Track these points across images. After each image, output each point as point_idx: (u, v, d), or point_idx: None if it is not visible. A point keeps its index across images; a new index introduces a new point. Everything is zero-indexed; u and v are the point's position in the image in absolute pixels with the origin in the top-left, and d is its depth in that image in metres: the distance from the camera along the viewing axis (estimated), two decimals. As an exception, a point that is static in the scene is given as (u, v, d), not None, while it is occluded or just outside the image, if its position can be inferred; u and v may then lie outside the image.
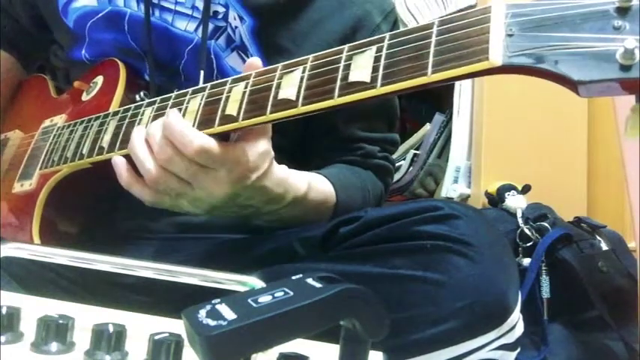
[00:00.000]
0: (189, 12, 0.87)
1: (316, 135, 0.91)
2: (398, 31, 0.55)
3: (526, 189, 1.18)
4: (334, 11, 0.88)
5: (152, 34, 0.87)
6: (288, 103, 0.60)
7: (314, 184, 0.78)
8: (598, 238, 1.13)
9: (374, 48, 0.56)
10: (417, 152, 1.48)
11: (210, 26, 0.85)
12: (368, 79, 0.54)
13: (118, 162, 0.70)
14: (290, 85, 0.60)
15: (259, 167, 0.67)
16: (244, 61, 0.86)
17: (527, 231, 1.08)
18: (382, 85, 0.53)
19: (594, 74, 0.43)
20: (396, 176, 1.46)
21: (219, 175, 0.65)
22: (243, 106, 0.63)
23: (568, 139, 1.40)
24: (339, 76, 0.57)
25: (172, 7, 0.87)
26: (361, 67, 0.55)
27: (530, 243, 1.07)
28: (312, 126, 0.89)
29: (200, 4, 0.86)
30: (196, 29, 0.87)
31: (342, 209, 0.81)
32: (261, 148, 0.66)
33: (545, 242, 1.06)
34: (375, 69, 0.54)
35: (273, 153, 0.69)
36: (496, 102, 1.34)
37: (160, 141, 0.65)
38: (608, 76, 0.43)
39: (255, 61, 0.67)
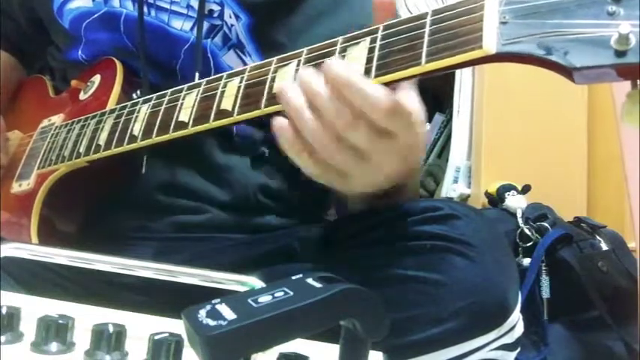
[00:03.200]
0: (185, 11, 0.87)
1: None
2: (392, 21, 0.55)
3: (526, 189, 1.18)
4: (331, 7, 0.88)
5: (148, 34, 0.86)
6: None
7: None
8: (598, 238, 1.13)
9: (368, 39, 0.55)
10: (417, 152, 1.48)
11: (206, 25, 0.85)
12: (362, 71, 0.54)
13: (283, 126, 0.56)
14: (285, 78, 0.60)
15: (425, 139, 0.59)
16: (241, 59, 0.86)
17: (527, 231, 1.08)
18: (376, 75, 0.53)
19: (589, 60, 0.43)
20: (396, 176, 1.46)
21: (394, 143, 0.54)
22: (238, 100, 0.63)
23: (568, 139, 1.40)
24: None
25: (168, 6, 0.87)
26: (355, 59, 0.55)
27: (530, 243, 1.07)
28: None
29: (195, 3, 0.86)
30: (192, 28, 0.86)
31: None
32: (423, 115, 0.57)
33: (545, 242, 1.06)
34: (369, 60, 0.54)
35: None
36: (496, 102, 1.34)
37: (334, 103, 0.52)
38: (603, 62, 0.43)
39: None
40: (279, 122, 0.56)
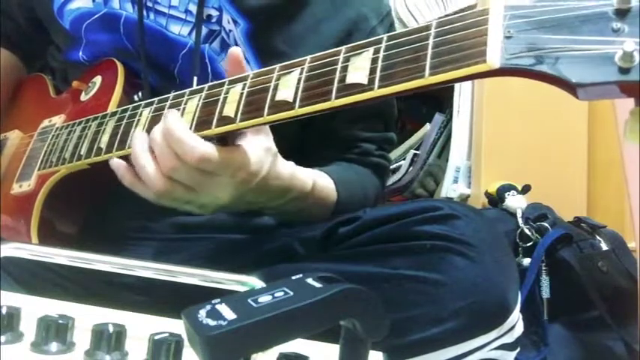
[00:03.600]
0: (183, 16, 0.87)
1: (314, 136, 0.91)
2: (396, 32, 0.55)
3: (526, 189, 1.18)
4: (329, 14, 0.88)
5: (148, 37, 0.86)
6: (286, 105, 0.59)
7: (318, 181, 0.79)
8: (598, 238, 1.13)
9: (371, 49, 0.55)
10: (417, 152, 1.48)
11: (204, 30, 0.85)
12: (365, 81, 0.54)
13: (117, 165, 0.70)
14: (287, 86, 0.60)
15: (262, 169, 0.67)
16: None
17: (527, 231, 1.08)
18: (379, 87, 0.53)
19: (593, 77, 0.43)
20: (396, 176, 1.46)
21: (222, 180, 0.65)
22: (241, 107, 0.62)
23: (568, 139, 1.40)
24: (337, 78, 0.56)
25: (166, 10, 0.87)
26: (359, 69, 0.55)
27: (530, 243, 1.07)
28: (310, 127, 0.89)
29: (193, 8, 0.86)
30: (190, 33, 0.86)
31: (343, 206, 0.82)
32: (262, 146, 0.66)
33: (545, 242, 1.05)
34: (372, 71, 0.54)
35: (275, 149, 0.69)
36: (496, 102, 1.34)
37: (163, 149, 0.64)
38: (607, 78, 0.42)
39: (235, 52, 0.68)
40: (115, 164, 0.70)
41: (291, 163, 0.74)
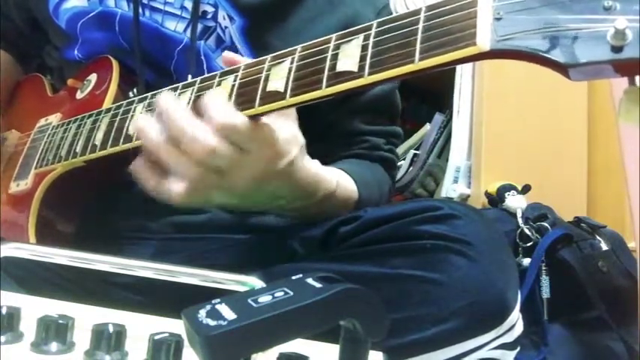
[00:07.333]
0: (178, 12, 0.87)
1: (319, 132, 0.90)
2: (385, 18, 0.54)
3: (526, 189, 1.18)
4: (325, 11, 0.88)
5: (143, 34, 0.86)
6: (277, 95, 0.59)
7: (341, 181, 0.77)
8: (598, 238, 1.13)
9: (361, 36, 0.55)
10: (417, 152, 1.48)
11: (200, 26, 0.85)
12: (355, 69, 0.54)
13: (138, 169, 0.65)
14: (278, 76, 0.60)
15: (288, 152, 0.64)
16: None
17: (527, 231, 1.08)
18: (369, 74, 0.53)
19: (585, 56, 0.42)
20: (396, 176, 1.46)
21: (249, 158, 0.61)
22: (232, 99, 0.62)
23: (568, 139, 1.40)
24: (327, 66, 0.56)
25: (162, 7, 0.87)
26: (349, 56, 0.55)
27: (530, 243, 1.07)
28: (311, 122, 0.89)
29: (189, 4, 0.86)
30: (185, 29, 0.86)
31: (363, 206, 0.80)
32: (287, 132, 0.64)
33: (545, 242, 1.06)
34: (362, 58, 0.54)
35: (303, 140, 0.67)
36: (496, 102, 1.34)
37: (198, 129, 0.60)
38: (599, 58, 0.42)
39: (231, 56, 0.66)
40: (137, 168, 0.64)
41: (317, 162, 0.72)
